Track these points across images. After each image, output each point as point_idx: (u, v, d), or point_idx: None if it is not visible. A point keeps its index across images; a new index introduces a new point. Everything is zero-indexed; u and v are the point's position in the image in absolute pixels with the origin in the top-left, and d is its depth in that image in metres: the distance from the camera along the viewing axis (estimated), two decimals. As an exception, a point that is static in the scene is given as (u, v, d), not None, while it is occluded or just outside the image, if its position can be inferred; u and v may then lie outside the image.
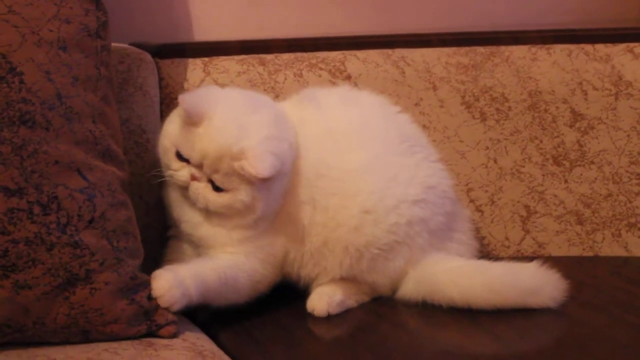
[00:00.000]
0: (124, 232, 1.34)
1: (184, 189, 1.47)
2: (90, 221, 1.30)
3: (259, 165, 1.41)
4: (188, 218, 1.50)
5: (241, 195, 1.44)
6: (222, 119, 1.45)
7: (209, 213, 1.48)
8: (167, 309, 1.35)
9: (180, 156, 1.45)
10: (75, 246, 1.28)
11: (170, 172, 1.47)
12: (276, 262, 1.52)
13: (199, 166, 1.44)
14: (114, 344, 1.28)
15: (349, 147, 1.54)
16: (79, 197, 1.30)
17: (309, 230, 1.52)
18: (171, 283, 1.36)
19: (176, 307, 1.36)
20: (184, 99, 1.45)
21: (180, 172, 1.46)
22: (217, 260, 1.47)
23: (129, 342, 1.29)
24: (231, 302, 1.47)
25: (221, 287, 1.44)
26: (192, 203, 1.48)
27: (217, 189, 1.44)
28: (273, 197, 1.47)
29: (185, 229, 1.51)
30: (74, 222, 1.28)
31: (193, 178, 1.45)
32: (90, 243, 1.29)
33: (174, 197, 1.51)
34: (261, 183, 1.44)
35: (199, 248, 1.51)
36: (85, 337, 1.29)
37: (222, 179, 1.43)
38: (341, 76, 1.78)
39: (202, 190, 1.45)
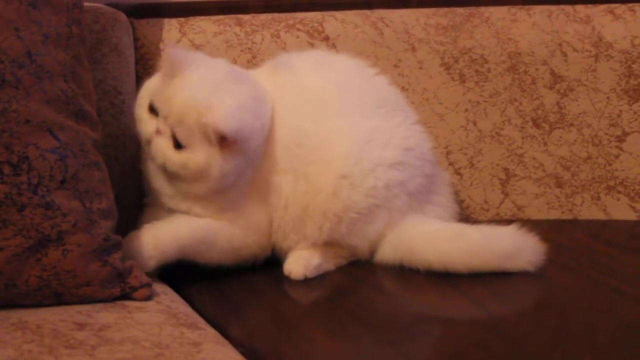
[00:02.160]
0: (96, 193, 1.32)
1: (146, 144, 1.46)
2: (62, 182, 1.28)
3: (223, 121, 1.40)
4: (167, 191, 1.49)
5: (197, 156, 1.42)
6: (200, 76, 1.45)
7: (173, 179, 1.46)
8: (142, 268, 1.35)
9: (152, 110, 1.45)
10: (47, 207, 1.26)
11: (138, 125, 1.46)
12: (259, 231, 1.51)
13: (165, 118, 1.43)
14: (87, 307, 1.26)
15: (325, 113, 1.53)
16: (51, 157, 1.27)
17: (292, 200, 1.50)
18: (147, 243, 1.39)
19: (151, 264, 1.39)
20: (169, 49, 1.46)
21: (147, 125, 1.45)
22: (197, 220, 1.47)
23: (102, 304, 1.28)
24: (211, 262, 1.48)
25: (199, 246, 1.45)
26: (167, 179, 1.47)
27: (178, 146, 1.43)
28: (230, 171, 1.45)
29: (166, 202, 1.50)
30: (46, 182, 1.26)
31: (157, 132, 1.44)
32: (62, 204, 1.27)
33: (153, 171, 1.50)
34: (220, 147, 1.42)
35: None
36: (58, 299, 1.27)
37: (184, 133, 1.42)
38: (319, 37, 1.76)
39: (162, 146, 1.44)
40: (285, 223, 1.51)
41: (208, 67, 1.48)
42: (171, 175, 1.46)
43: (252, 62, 1.73)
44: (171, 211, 1.50)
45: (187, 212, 1.49)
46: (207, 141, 1.42)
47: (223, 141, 1.42)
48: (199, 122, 1.41)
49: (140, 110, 1.47)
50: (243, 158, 1.45)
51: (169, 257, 1.43)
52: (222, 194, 1.47)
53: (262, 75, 1.57)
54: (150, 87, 1.48)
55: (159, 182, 1.50)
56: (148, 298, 1.32)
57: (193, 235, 1.45)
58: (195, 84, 1.43)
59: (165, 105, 1.43)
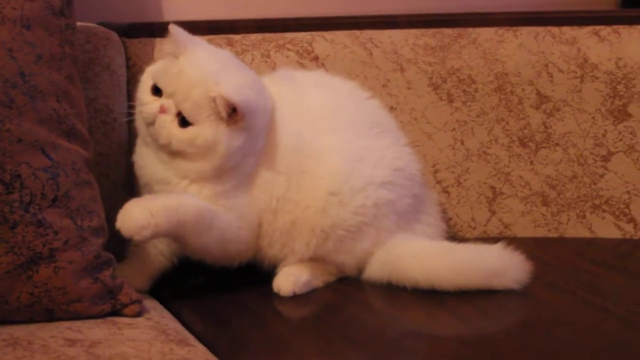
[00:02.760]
0: (87, 211, 1.33)
1: (148, 125, 1.46)
2: (54, 200, 1.29)
3: (233, 94, 1.42)
4: (161, 177, 1.49)
5: (205, 131, 1.44)
6: (208, 54, 1.49)
7: (173, 160, 1.46)
8: (136, 237, 1.36)
9: (154, 91, 1.46)
10: (39, 225, 1.27)
11: (140, 107, 1.47)
12: (252, 226, 1.51)
13: (171, 96, 1.44)
14: (78, 323, 1.28)
15: (321, 128, 1.55)
16: (43, 175, 1.29)
17: (282, 205, 1.51)
18: (143, 212, 1.37)
19: (145, 234, 1.37)
20: (175, 28, 1.47)
21: (150, 105, 1.46)
22: (197, 200, 1.46)
23: (92, 320, 1.29)
24: (199, 249, 1.47)
25: (196, 225, 1.44)
26: (165, 162, 1.47)
27: (183, 124, 1.44)
28: (236, 148, 1.46)
29: (159, 190, 1.49)
30: (37, 200, 1.28)
31: (162, 111, 1.44)
32: (54, 222, 1.28)
33: (148, 156, 1.50)
34: (228, 123, 1.44)
35: None
36: (49, 315, 1.29)
37: (192, 108, 1.43)
38: (309, 57, 1.78)
39: (167, 124, 1.44)
40: (272, 230, 1.52)
41: (213, 49, 1.53)
42: (173, 155, 1.46)
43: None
44: None
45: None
46: (215, 116, 1.43)
47: (232, 115, 1.43)
48: (207, 96, 1.43)
49: (142, 93, 1.48)
50: (249, 137, 1.47)
51: (165, 231, 1.40)
52: (223, 177, 1.47)
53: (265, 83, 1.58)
54: (153, 70, 1.49)
55: (153, 168, 1.49)
56: (138, 314, 1.33)
57: (194, 212, 1.43)
58: (204, 61, 1.46)
59: (172, 82, 1.45)
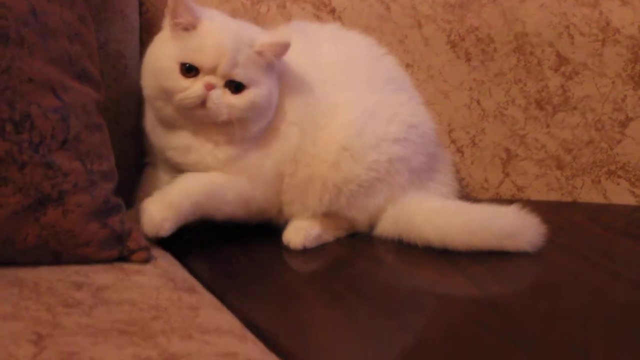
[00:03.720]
0: (98, 155, 1.31)
1: (196, 109, 1.41)
2: (64, 142, 1.27)
3: (279, 36, 1.43)
4: (176, 144, 1.47)
5: (262, 87, 1.42)
6: (223, 18, 1.46)
7: (200, 137, 1.44)
8: (158, 233, 1.37)
9: (187, 71, 1.41)
10: (48, 166, 1.25)
11: (179, 95, 1.41)
12: (267, 183, 1.49)
13: (212, 71, 1.40)
14: (85, 267, 1.25)
15: (334, 82, 1.53)
16: (53, 116, 1.26)
17: (299, 157, 1.50)
18: (159, 205, 1.38)
19: (167, 226, 1.38)
20: (178, 3, 1.41)
21: (192, 89, 1.40)
22: (203, 176, 1.45)
23: (100, 265, 1.27)
24: (226, 217, 1.47)
25: (211, 201, 1.44)
26: (180, 127, 1.45)
27: (236, 90, 1.41)
28: (277, 95, 1.46)
29: (173, 157, 1.48)
30: (47, 142, 1.25)
31: (209, 87, 1.40)
32: (63, 164, 1.26)
33: (158, 126, 1.48)
34: (270, 70, 1.43)
35: (183, 173, 1.49)
36: (56, 258, 1.26)
37: (244, 72, 1.41)
38: (325, 9, 1.75)
39: (222, 97, 1.41)
40: (294, 184, 1.50)
41: (218, 13, 1.49)
42: (225, 126, 1.42)
43: (259, 31, 1.72)
44: (173, 169, 1.49)
45: (197, 165, 1.46)
46: (262, 70, 1.42)
47: (276, 59, 1.43)
48: (253, 52, 1.41)
49: (174, 80, 1.41)
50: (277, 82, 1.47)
51: (184, 215, 1.40)
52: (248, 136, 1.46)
53: None
54: (166, 52, 1.42)
55: (166, 138, 1.47)
56: (146, 261, 1.31)
57: (204, 190, 1.43)
58: (228, 25, 1.43)
59: (209, 54, 1.40)
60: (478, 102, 1.80)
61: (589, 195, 1.82)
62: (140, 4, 1.68)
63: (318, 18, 1.75)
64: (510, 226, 1.49)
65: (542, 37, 1.80)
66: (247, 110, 1.42)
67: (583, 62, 1.81)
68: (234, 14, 1.71)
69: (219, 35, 1.40)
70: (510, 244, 1.48)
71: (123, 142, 1.54)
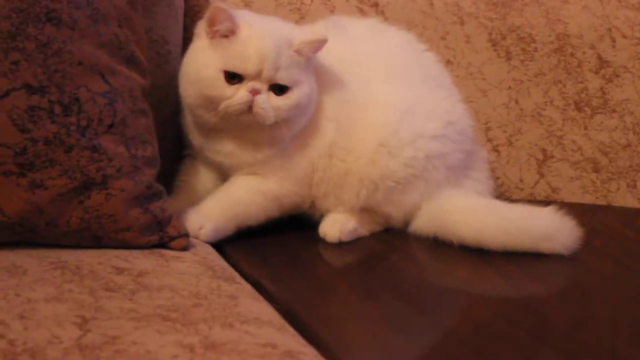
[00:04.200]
0: (142, 141, 1.32)
1: (242, 114, 1.41)
2: (110, 126, 1.28)
3: (315, 33, 1.44)
4: (216, 148, 1.49)
5: (304, 87, 1.43)
6: (261, 21, 1.45)
7: (242, 139, 1.46)
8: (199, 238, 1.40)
9: (230, 78, 1.41)
10: (94, 150, 1.26)
11: (225, 103, 1.41)
12: (299, 178, 1.50)
13: (256, 76, 1.41)
14: (125, 252, 1.27)
15: (372, 78, 1.53)
16: (101, 100, 1.28)
17: (336, 151, 1.50)
18: (199, 222, 1.41)
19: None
20: (222, 4, 1.42)
21: (238, 96, 1.41)
22: (234, 187, 1.48)
23: (139, 251, 1.28)
24: (259, 220, 1.48)
25: (242, 216, 1.46)
26: (220, 131, 1.46)
27: (280, 90, 1.42)
28: (315, 87, 1.47)
29: (212, 157, 1.50)
30: (94, 125, 1.27)
31: (255, 93, 1.41)
32: (109, 148, 1.27)
33: (196, 129, 1.50)
34: (311, 65, 1.45)
35: (220, 170, 1.51)
36: (97, 242, 1.28)
37: (287, 74, 1.42)
38: (369, 3, 1.76)
39: (267, 101, 1.41)
40: (328, 178, 1.51)
41: (256, 15, 1.49)
42: (270, 127, 1.43)
43: (300, 22, 1.72)
44: (211, 166, 1.51)
45: (239, 166, 1.48)
46: (302, 69, 1.43)
47: (315, 55, 1.44)
48: (292, 53, 1.42)
49: (219, 88, 1.41)
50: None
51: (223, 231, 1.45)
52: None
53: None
54: (207, 60, 1.42)
55: (208, 141, 1.49)
56: (185, 248, 1.33)
57: (237, 206, 1.47)
58: (266, 28, 1.43)
59: (252, 61, 1.40)
60: (516, 101, 1.80)
61: (624, 199, 1.82)
62: (185, -10, 1.69)
63: (361, 11, 1.75)
64: (547, 228, 1.49)
65: (583, 39, 1.80)
66: (293, 110, 1.43)
67: (624, 65, 1.80)
68: (277, 3, 1.72)
69: (260, 41, 1.41)
70: (545, 246, 1.48)
71: (163, 128, 1.55)
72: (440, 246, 1.51)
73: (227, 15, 1.41)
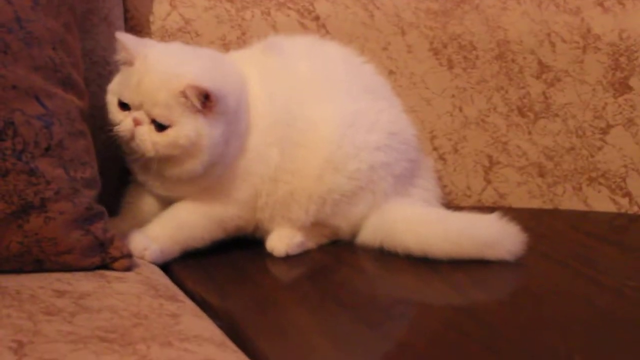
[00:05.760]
0: (81, 162, 1.32)
1: (129, 142, 1.42)
2: (47, 149, 1.27)
3: (201, 80, 1.39)
4: (151, 183, 1.49)
5: (185, 128, 1.40)
6: (158, 53, 1.44)
7: (161, 174, 1.45)
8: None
9: (122, 106, 1.43)
10: (31, 174, 1.25)
11: (116, 128, 1.43)
12: (240, 205, 1.50)
13: (139, 106, 1.41)
14: (67, 275, 1.26)
15: (312, 98, 1.53)
16: (37, 123, 1.27)
17: (279, 175, 1.50)
18: (144, 244, 1.41)
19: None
20: (120, 36, 1.43)
21: (123, 122, 1.42)
22: (180, 210, 1.48)
23: (82, 273, 1.28)
24: (204, 242, 1.48)
25: (187, 239, 1.47)
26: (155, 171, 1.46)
27: (160, 128, 1.41)
28: (218, 136, 1.43)
29: (156, 191, 1.50)
30: (30, 149, 1.26)
31: (136, 123, 1.41)
32: (47, 171, 1.27)
33: (139, 168, 1.49)
34: (203, 113, 1.41)
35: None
36: (39, 266, 1.27)
37: (163, 111, 1.40)
38: (309, 17, 1.76)
39: (146, 134, 1.41)
40: (273, 202, 1.51)
41: (164, 46, 1.50)
42: (162, 163, 1.43)
43: (242, 38, 1.72)
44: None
45: (174, 195, 1.49)
46: (189, 111, 1.40)
47: (205, 103, 1.40)
48: (175, 93, 1.39)
49: (112, 113, 1.43)
50: (226, 121, 1.44)
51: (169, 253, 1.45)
52: (210, 169, 1.46)
53: (251, 55, 1.57)
54: (114, 87, 1.45)
55: (146, 176, 1.49)
56: (128, 269, 1.32)
57: (181, 229, 1.47)
58: (159, 60, 1.42)
59: (136, 92, 1.41)
60: (460, 109, 1.81)
61: (570, 202, 1.83)
62: (126, 11, 1.69)
63: (302, 25, 1.75)
64: (490, 235, 1.50)
65: (523, 45, 1.81)
66: (170, 149, 1.41)
67: (564, 70, 1.82)
68: (218, 20, 1.73)
69: (145, 74, 1.40)
70: (490, 253, 1.49)
71: (107, 150, 1.54)
72: (388, 256, 1.51)
73: (124, 45, 1.43)
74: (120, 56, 1.44)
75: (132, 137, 1.42)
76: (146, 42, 1.48)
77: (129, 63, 1.43)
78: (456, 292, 1.42)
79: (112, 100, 1.44)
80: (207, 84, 1.40)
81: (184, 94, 1.39)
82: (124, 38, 1.44)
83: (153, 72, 1.41)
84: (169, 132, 1.41)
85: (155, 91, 1.40)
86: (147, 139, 1.41)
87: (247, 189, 1.50)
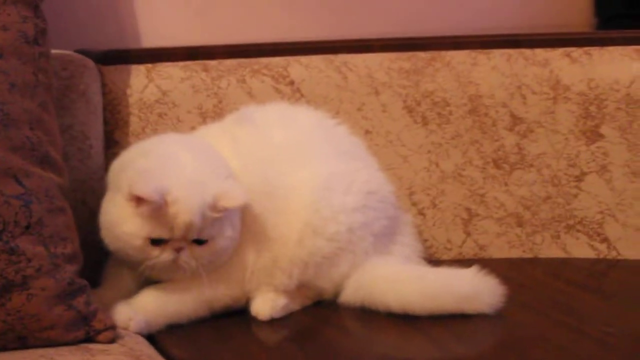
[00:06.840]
0: (61, 238, 1.34)
1: (168, 268, 1.45)
2: (27, 227, 1.30)
3: (237, 195, 1.44)
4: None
5: (224, 235, 1.46)
6: (179, 179, 1.44)
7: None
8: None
9: (156, 243, 1.43)
10: (11, 252, 1.28)
11: (150, 262, 1.44)
12: (230, 283, 1.52)
13: (181, 237, 1.43)
14: (51, 350, 1.28)
15: (288, 165, 1.56)
16: (15, 203, 1.30)
17: (260, 245, 1.53)
18: (129, 314, 1.42)
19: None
20: (143, 190, 1.39)
21: (163, 255, 1.44)
22: (168, 287, 1.49)
23: (66, 347, 1.29)
24: (190, 319, 1.49)
25: (173, 315, 1.48)
26: None
27: (200, 242, 1.45)
28: (237, 224, 1.49)
29: (144, 272, 1.49)
30: (10, 228, 1.28)
31: (179, 251, 1.44)
32: (27, 249, 1.29)
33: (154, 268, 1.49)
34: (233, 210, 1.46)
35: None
36: (23, 343, 1.29)
37: (208, 232, 1.44)
38: (284, 82, 1.80)
39: (190, 255, 1.44)
40: (257, 270, 1.53)
41: (176, 170, 1.46)
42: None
43: (219, 106, 1.76)
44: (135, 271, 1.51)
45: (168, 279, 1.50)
46: (224, 219, 1.45)
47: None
48: (216, 215, 1.43)
49: (143, 252, 1.43)
50: (234, 210, 1.48)
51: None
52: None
53: (224, 128, 1.60)
54: (134, 230, 1.42)
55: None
56: (112, 341, 1.34)
57: (167, 305, 1.48)
58: (189, 196, 1.42)
59: (178, 229, 1.42)
60: (437, 164, 1.84)
61: (550, 250, 1.85)
62: (103, 85, 1.72)
63: (277, 90, 1.79)
64: (469, 289, 1.50)
65: (495, 99, 1.85)
66: (215, 256, 1.46)
67: (536, 120, 1.85)
68: (195, 89, 1.76)
69: (187, 214, 1.42)
70: (468, 307, 1.49)
71: (90, 223, 1.57)
72: (369, 314, 1.52)
73: (155, 198, 1.40)
74: (150, 207, 1.41)
75: (175, 262, 1.44)
76: (156, 173, 1.44)
77: (159, 208, 1.42)
78: (438, 348, 1.43)
79: (143, 243, 1.43)
80: (237, 192, 1.45)
81: (219, 210, 1.43)
82: (152, 191, 1.40)
83: (195, 205, 1.42)
84: (210, 245, 1.45)
85: (201, 221, 1.42)
86: (191, 259, 1.45)
87: (238, 265, 1.52)
